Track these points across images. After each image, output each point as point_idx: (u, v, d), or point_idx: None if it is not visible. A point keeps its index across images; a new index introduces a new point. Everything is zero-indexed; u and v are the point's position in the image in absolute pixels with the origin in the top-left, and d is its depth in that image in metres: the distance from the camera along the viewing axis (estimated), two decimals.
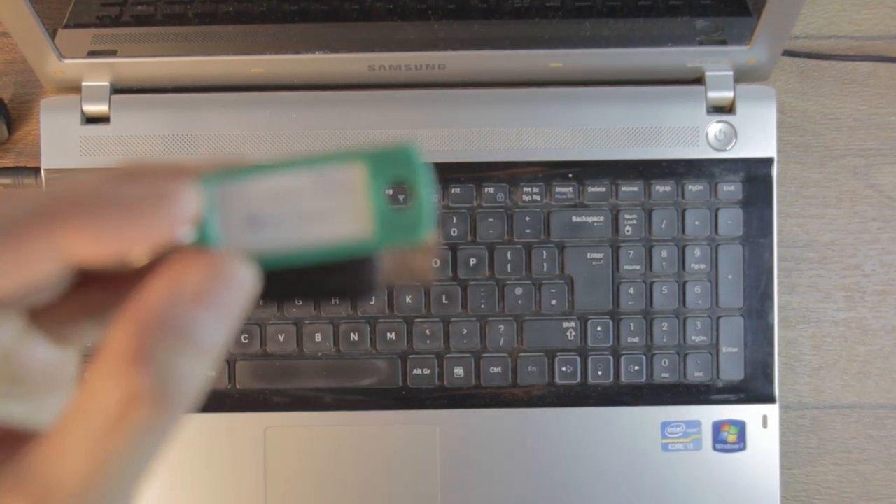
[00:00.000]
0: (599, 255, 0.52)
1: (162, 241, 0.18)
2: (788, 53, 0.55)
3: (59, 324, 0.21)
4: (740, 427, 0.51)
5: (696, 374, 0.52)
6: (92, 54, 0.51)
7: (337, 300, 0.20)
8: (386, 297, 0.52)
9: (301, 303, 0.19)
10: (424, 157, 0.19)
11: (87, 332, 0.21)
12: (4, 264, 0.17)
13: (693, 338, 0.52)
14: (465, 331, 0.52)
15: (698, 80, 0.53)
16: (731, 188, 0.52)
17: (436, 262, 0.18)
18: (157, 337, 0.17)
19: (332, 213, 0.19)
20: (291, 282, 0.20)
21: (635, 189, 0.52)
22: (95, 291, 0.21)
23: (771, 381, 0.52)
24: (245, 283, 0.18)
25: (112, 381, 0.17)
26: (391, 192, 0.19)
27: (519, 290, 0.52)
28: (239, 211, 0.19)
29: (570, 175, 0.52)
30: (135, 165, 0.19)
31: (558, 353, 0.52)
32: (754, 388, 0.52)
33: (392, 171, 0.19)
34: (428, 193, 0.19)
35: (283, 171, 0.19)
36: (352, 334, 0.52)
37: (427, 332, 0.52)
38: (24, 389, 0.21)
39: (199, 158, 0.20)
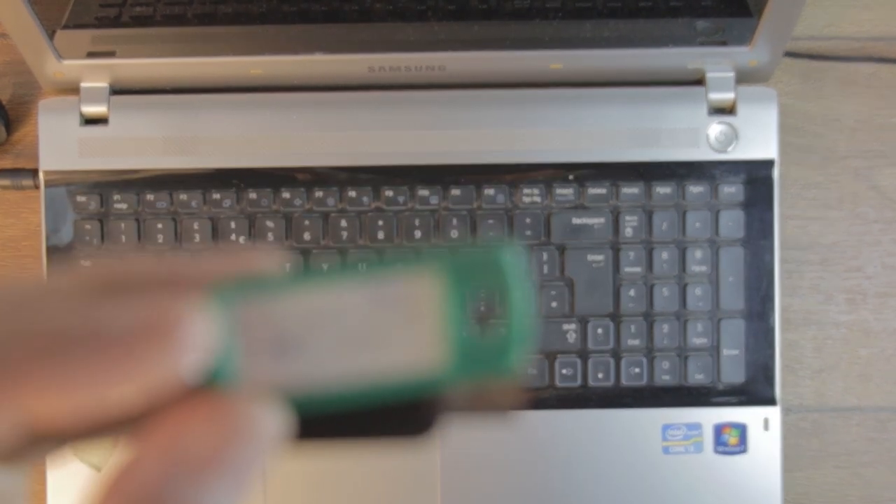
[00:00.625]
0: (600, 257, 0.52)
1: (158, 387, 0.13)
2: (790, 54, 0.55)
3: (8, 448, 0.15)
4: (741, 430, 0.51)
5: (697, 377, 0.52)
6: (91, 55, 0.51)
7: (389, 438, 0.15)
8: None
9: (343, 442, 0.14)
10: (522, 262, 0.14)
11: (43, 454, 0.16)
12: None
13: (694, 340, 0.52)
14: None
15: (699, 81, 0.53)
16: (732, 190, 0.52)
17: (519, 394, 0.13)
18: None
19: (391, 338, 0.14)
20: (332, 423, 0.15)
21: (636, 191, 0.52)
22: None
23: (772, 384, 0.51)
24: (268, 433, 0.14)
25: None
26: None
27: None
28: (265, 334, 0.14)
29: (571, 177, 0.52)
30: (120, 271, 0.14)
31: (559, 356, 0.52)
32: (755, 391, 0.52)
33: (477, 283, 0.14)
34: (525, 310, 0.14)
35: (327, 285, 0.14)
36: None
37: None
38: None
39: (207, 261, 0.14)
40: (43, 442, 0.16)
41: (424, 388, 0.14)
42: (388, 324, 0.14)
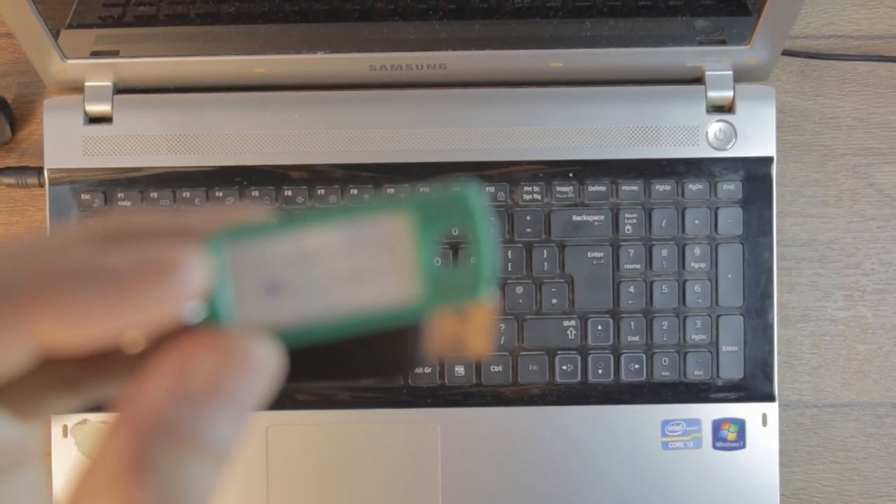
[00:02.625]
0: (600, 254, 0.52)
1: (160, 323, 0.14)
2: (788, 53, 0.55)
3: (23, 397, 0.17)
4: (740, 425, 0.52)
5: (696, 373, 0.52)
6: (94, 54, 0.51)
7: (375, 379, 0.17)
8: None
9: (333, 382, 0.15)
10: (484, 200, 0.16)
11: (56, 403, 0.18)
12: None
13: (693, 336, 0.52)
14: None
15: (698, 79, 0.53)
16: (730, 187, 0.52)
17: (495, 331, 0.14)
18: (160, 442, 0.14)
19: (369, 274, 0.15)
20: (320, 358, 0.16)
21: (635, 188, 0.52)
22: (68, 360, 0.17)
23: (770, 380, 0.52)
24: (265, 365, 0.15)
25: (109, 496, 0.14)
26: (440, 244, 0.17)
27: (519, 289, 0.52)
28: (256, 277, 0.15)
29: (571, 174, 0.52)
30: (123, 223, 0.15)
31: (559, 352, 0.52)
32: (754, 387, 0.52)
33: (444, 222, 0.16)
34: (489, 244, 0.16)
35: (308, 228, 0.15)
36: None
37: None
38: None
39: (201, 214, 0.16)
40: (51, 385, 0.17)
41: (402, 319, 0.16)
42: (366, 261, 0.15)
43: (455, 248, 0.13)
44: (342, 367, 0.16)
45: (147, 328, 0.14)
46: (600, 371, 0.52)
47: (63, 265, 0.14)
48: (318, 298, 0.15)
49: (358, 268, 0.15)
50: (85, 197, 0.52)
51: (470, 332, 0.16)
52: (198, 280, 0.14)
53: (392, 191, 0.14)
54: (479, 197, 0.16)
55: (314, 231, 0.15)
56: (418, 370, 0.52)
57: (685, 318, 0.52)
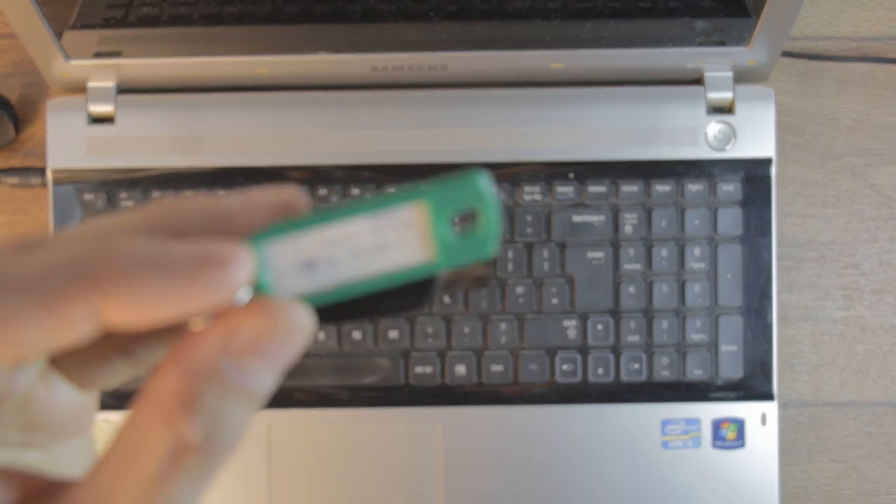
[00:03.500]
0: (600, 254, 0.53)
1: (213, 306, 0.17)
2: (787, 54, 0.55)
3: (81, 366, 0.20)
4: (739, 424, 0.52)
5: (695, 372, 0.52)
6: (98, 55, 0.51)
7: (392, 316, 0.19)
8: None
9: (361, 320, 0.17)
10: (492, 185, 0.18)
11: (112, 372, 0.20)
12: (36, 326, 0.16)
13: (693, 336, 0.52)
14: (466, 329, 0.52)
15: (698, 80, 0.53)
16: (730, 188, 0.53)
17: (492, 268, 0.18)
18: (209, 384, 0.16)
19: (391, 247, 0.18)
20: (346, 306, 0.19)
21: (635, 189, 0.53)
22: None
23: (770, 379, 0.52)
24: (300, 328, 0.17)
25: (159, 428, 0.16)
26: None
27: (520, 289, 0.52)
28: (291, 259, 0.18)
29: (571, 175, 0.53)
30: (171, 211, 0.18)
31: (559, 351, 0.52)
32: (753, 386, 0.52)
33: (457, 205, 0.18)
34: (496, 220, 0.18)
35: (335, 219, 0.18)
36: (355, 332, 0.52)
37: (429, 330, 0.52)
38: (41, 437, 0.20)
39: (244, 202, 0.18)
40: (108, 355, 0.20)
41: (417, 276, 0.19)
42: (389, 238, 0.18)
43: (464, 219, 0.15)
44: (364, 311, 0.19)
45: (201, 312, 0.17)
46: (600, 370, 0.52)
47: (129, 251, 0.16)
48: (346, 269, 0.18)
49: (381, 243, 0.18)
50: (88, 197, 0.52)
51: (472, 270, 0.19)
52: (247, 272, 0.17)
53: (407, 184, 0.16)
54: (488, 180, 0.18)
55: (343, 221, 0.18)
56: (420, 370, 0.52)
57: (685, 317, 0.52)
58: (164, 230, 0.17)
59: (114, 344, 0.20)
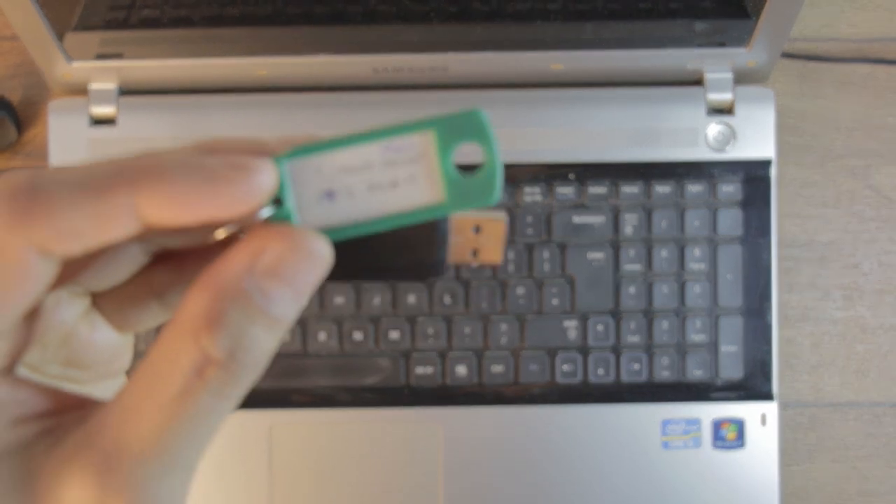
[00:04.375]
0: (600, 255, 0.53)
1: (239, 212, 0.18)
2: (787, 55, 0.55)
3: (120, 307, 0.22)
4: (739, 425, 0.52)
5: (695, 373, 0.52)
6: (99, 57, 0.51)
7: (407, 278, 0.21)
8: (390, 297, 0.52)
9: (372, 281, 0.18)
10: (488, 119, 0.19)
11: (147, 315, 0.22)
12: (82, 214, 0.17)
13: (693, 336, 0.53)
14: (467, 329, 0.52)
15: (698, 81, 0.53)
16: (730, 189, 0.53)
17: (505, 243, 0.19)
18: (234, 304, 0.17)
19: (403, 182, 0.19)
20: (363, 259, 0.20)
21: (635, 190, 0.53)
22: (159, 273, 0.22)
23: (770, 380, 0.52)
24: (321, 258, 0.18)
25: (186, 344, 0.17)
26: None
27: (521, 290, 0.53)
28: (312, 187, 0.19)
29: (571, 176, 0.53)
30: (213, 141, 0.19)
31: (560, 352, 0.53)
32: (753, 386, 0.52)
33: (461, 136, 0.19)
34: (497, 156, 0.19)
35: (352, 144, 0.19)
36: (356, 333, 0.52)
37: (430, 330, 0.52)
38: (80, 373, 0.21)
39: (272, 137, 0.20)
40: (143, 297, 0.22)
41: (429, 216, 0.19)
42: (400, 172, 0.19)
43: (469, 166, 0.16)
44: (379, 267, 0.20)
45: (229, 216, 0.18)
46: (601, 371, 0.52)
47: (167, 157, 0.18)
48: (363, 203, 0.19)
49: (394, 177, 0.19)
50: None
51: (485, 242, 0.20)
52: (269, 180, 0.18)
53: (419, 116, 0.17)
54: (487, 117, 0.19)
55: (358, 146, 0.19)
56: (420, 371, 0.53)
57: (685, 318, 0.53)
58: (206, 151, 0.19)
59: (150, 287, 0.22)
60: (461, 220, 0.21)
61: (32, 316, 0.19)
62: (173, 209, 0.17)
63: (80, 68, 0.52)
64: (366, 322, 0.52)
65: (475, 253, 0.21)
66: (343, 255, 0.19)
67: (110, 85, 0.53)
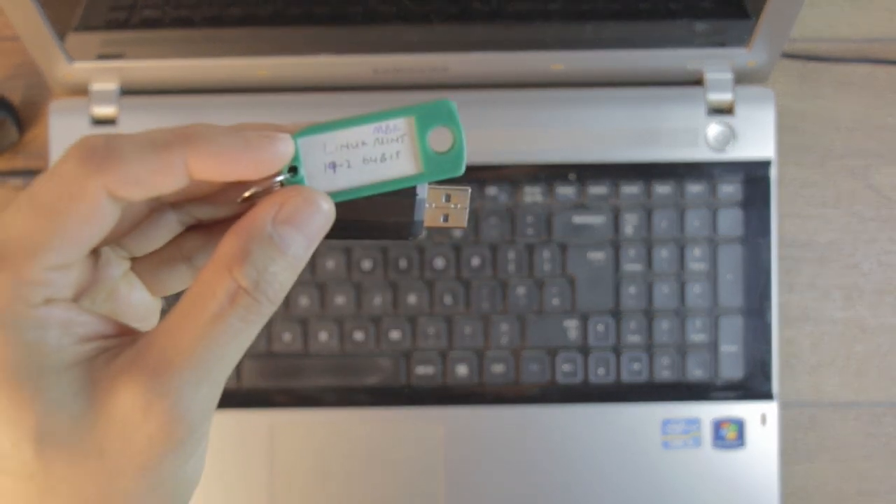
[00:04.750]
0: (601, 255, 0.53)
1: (265, 171, 0.23)
2: (787, 56, 0.55)
3: (155, 271, 0.26)
4: (739, 424, 0.52)
5: (695, 372, 0.53)
6: (100, 57, 0.52)
7: (390, 236, 0.25)
8: (391, 296, 0.53)
9: (362, 238, 0.25)
10: (456, 109, 0.24)
11: (176, 277, 0.27)
12: (146, 167, 0.22)
13: (693, 336, 0.53)
14: (468, 329, 0.53)
15: (698, 81, 0.53)
16: (730, 189, 0.53)
17: (468, 209, 0.26)
18: (259, 245, 0.22)
19: (389, 157, 0.24)
20: (356, 219, 0.24)
21: (636, 190, 0.53)
22: (190, 239, 0.26)
23: (770, 379, 0.52)
24: (326, 212, 0.23)
25: (221, 276, 0.21)
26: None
27: (521, 290, 0.53)
28: (319, 159, 0.24)
29: (572, 176, 0.53)
30: (244, 124, 0.24)
31: (560, 351, 0.53)
32: (753, 386, 0.52)
33: (435, 120, 0.24)
34: (462, 137, 0.24)
35: (350, 126, 0.24)
36: (356, 333, 0.52)
37: (431, 330, 0.52)
38: None
39: (289, 123, 0.24)
40: (176, 261, 0.26)
41: (409, 183, 0.24)
42: (388, 149, 0.24)
43: (440, 147, 0.22)
44: (369, 227, 0.25)
45: (257, 175, 0.23)
46: (601, 370, 0.53)
47: (214, 128, 0.22)
48: (358, 173, 0.24)
49: (383, 152, 0.24)
50: None
51: (453, 209, 0.26)
52: (290, 149, 0.23)
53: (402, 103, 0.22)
54: (454, 105, 0.24)
55: (355, 126, 0.24)
56: (421, 370, 0.53)
57: (685, 318, 0.53)
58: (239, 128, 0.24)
59: (181, 252, 0.26)
60: (434, 191, 0.25)
61: (92, 261, 0.24)
62: (216, 166, 0.22)
63: (80, 69, 0.52)
64: (366, 322, 0.52)
65: (446, 218, 0.25)
66: (340, 216, 0.24)
67: (111, 85, 0.53)
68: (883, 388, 0.55)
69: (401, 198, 0.24)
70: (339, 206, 0.24)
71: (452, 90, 0.54)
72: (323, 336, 0.52)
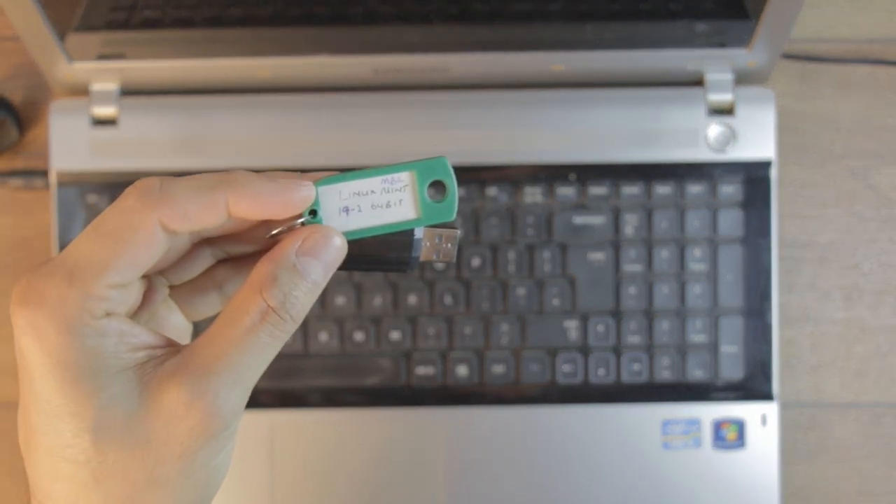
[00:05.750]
0: (601, 256, 0.53)
1: (292, 212, 0.27)
2: (787, 56, 0.55)
3: (190, 297, 0.31)
4: (740, 425, 0.52)
5: (696, 373, 0.53)
6: (101, 57, 0.52)
7: (390, 270, 0.30)
8: (391, 297, 0.53)
9: (367, 270, 0.34)
10: (452, 165, 0.29)
11: (208, 303, 0.31)
12: (196, 204, 0.26)
13: (693, 337, 0.53)
14: (468, 330, 0.53)
15: (698, 82, 0.53)
16: (730, 189, 0.53)
17: (457, 248, 0.30)
18: (285, 271, 0.26)
19: (394, 204, 0.28)
20: (362, 254, 0.28)
21: (636, 190, 0.53)
22: (222, 270, 0.31)
23: (770, 380, 0.52)
24: (340, 247, 0.27)
25: (254, 296, 0.26)
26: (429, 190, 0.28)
27: (521, 290, 0.53)
28: (335, 204, 0.28)
29: (572, 177, 0.53)
30: (274, 172, 0.28)
31: (560, 352, 0.53)
32: (753, 387, 0.52)
33: (432, 174, 0.28)
34: (454, 189, 0.28)
35: (362, 178, 0.28)
36: (357, 333, 0.52)
37: (431, 331, 0.52)
38: None
39: (311, 174, 0.28)
40: (209, 289, 0.31)
41: (409, 227, 0.28)
42: (392, 197, 0.28)
43: (436, 196, 0.29)
44: (374, 261, 0.29)
45: (284, 215, 0.27)
46: (601, 371, 0.53)
47: (251, 175, 0.27)
48: (367, 217, 0.28)
49: (388, 200, 0.28)
50: (91, 199, 0.53)
51: (444, 247, 0.30)
52: (312, 195, 0.27)
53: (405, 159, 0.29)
54: (447, 161, 0.28)
55: (366, 178, 0.28)
56: (421, 371, 0.53)
57: (685, 318, 0.53)
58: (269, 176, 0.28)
59: (213, 281, 0.31)
60: (430, 232, 0.29)
61: (142, 285, 0.28)
62: (253, 206, 0.26)
63: (81, 69, 0.52)
64: (367, 322, 0.52)
65: (438, 254, 0.30)
66: (350, 250, 0.28)
67: (111, 86, 0.53)
68: (883, 388, 0.55)
69: (401, 237, 0.29)
70: (350, 243, 0.28)
71: (453, 90, 0.54)
72: (323, 336, 0.52)
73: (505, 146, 0.53)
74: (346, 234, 0.28)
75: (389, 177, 0.28)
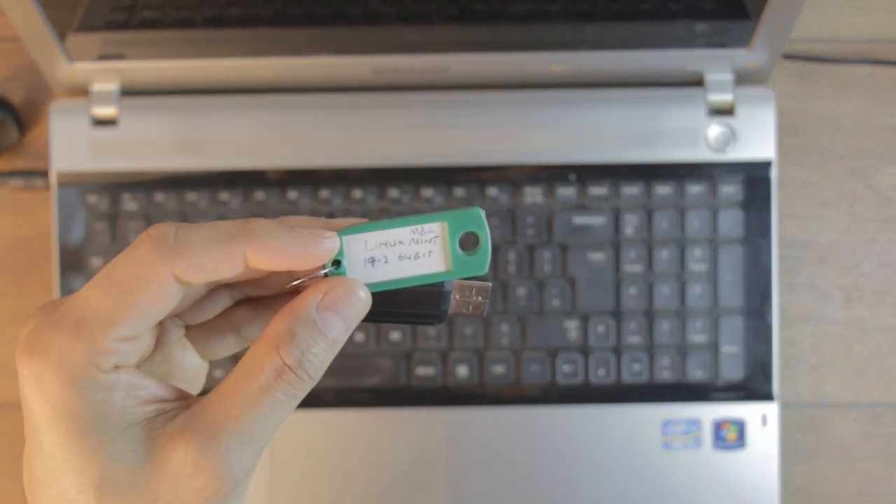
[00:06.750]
0: (601, 256, 0.53)
1: (312, 265, 0.25)
2: (787, 56, 0.55)
3: (206, 338, 0.29)
4: (740, 425, 0.52)
5: (696, 373, 0.53)
6: (101, 58, 0.52)
7: (418, 323, 0.28)
8: None
9: (394, 323, 0.31)
10: (486, 218, 0.27)
11: (225, 345, 0.30)
12: (211, 256, 0.25)
13: (693, 337, 0.53)
14: (468, 330, 0.53)
15: (698, 82, 0.53)
16: (730, 189, 0.53)
17: (488, 301, 0.28)
18: (304, 327, 0.25)
19: (423, 255, 0.27)
20: (389, 307, 0.27)
21: (636, 190, 0.53)
22: (239, 312, 0.29)
23: (770, 380, 0.52)
24: (364, 301, 0.26)
25: (270, 353, 0.24)
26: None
27: (522, 290, 0.53)
28: (360, 254, 0.26)
29: (572, 177, 0.53)
30: (293, 218, 0.27)
31: (560, 352, 0.53)
32: (754, 387, 0.52)
33: (465, 226, 0.27)
34: (488, 241, 0.27)
35: (390, 228, 0.27)
36: (357, 334, 0.52)
37: (431, 331, 0.52)
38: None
39: (337, 219, 0.27)
40: (225, 331, 0.29)
41: (438, 280, 0.27)
42: (422, 248, 0.27)
43: (468, 248, 0.26)
44: (401, 314, 0.27)
45: (304, 267, 0.25)
46: (601, 371, 0.53)
47: (270, 226, 0.25)
48: (394, 268, 0.27)
49: (417, 251, 0.27)
50: (91, 199, 0.53)
51: (475, 300, 0.28)
52: (335, 246, 0.26)
53: (431, 201, 0.26)
54: (483, 214, 0.27)
55: (394, 228, 0.26)
56: (421, 371, 0.53)
57: (686, 318, 0.53)
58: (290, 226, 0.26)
59: (230, 323, 0.29)
60: (460, 284, 0.28)
61: (155, 330, 0.27)
62: (271, 259, 0.25)
63: (81, 69, 0.52)
64: (367, 323, 0.52)
65: (468, 307, 0.28)
66: (376, 303, 0.26)
67: (112, 86, 0.53)
68: (883, 388, 0.55)
69: (430, 290, 0.27)
70: (375, 295, 0.26)
71: (453, 91, 0.54)
72: None
73: (505, 146, 0.53)
74: (370, 286, 0.26)
75: (419, 227, 0.26)
